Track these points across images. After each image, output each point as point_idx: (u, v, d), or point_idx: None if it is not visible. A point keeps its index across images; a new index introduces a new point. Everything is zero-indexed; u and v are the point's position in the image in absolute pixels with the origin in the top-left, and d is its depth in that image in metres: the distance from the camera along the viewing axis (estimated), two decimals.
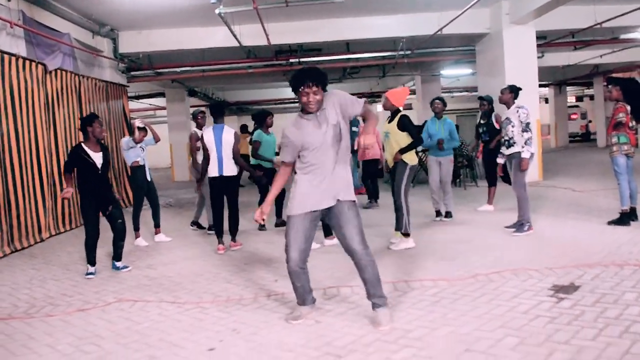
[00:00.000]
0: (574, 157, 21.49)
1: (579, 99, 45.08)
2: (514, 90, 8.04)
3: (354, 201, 4.63)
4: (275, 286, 5.97)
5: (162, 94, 24.30)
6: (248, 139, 16.30)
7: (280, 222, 9.83)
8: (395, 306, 4.98)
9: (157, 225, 9.18)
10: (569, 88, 34.88)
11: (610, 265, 5.84)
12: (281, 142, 4.66)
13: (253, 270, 6.76)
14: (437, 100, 9.61)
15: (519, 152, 7.69)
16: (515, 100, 8.03)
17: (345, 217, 4.55)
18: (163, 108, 25.70)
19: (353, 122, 13.23)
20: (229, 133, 7.98)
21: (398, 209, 7.42)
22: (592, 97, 41.24)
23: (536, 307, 4.71)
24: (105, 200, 6.96)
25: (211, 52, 15.87)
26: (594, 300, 4.80)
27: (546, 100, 34.85)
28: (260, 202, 9.82)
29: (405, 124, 7.40)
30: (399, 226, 7.48)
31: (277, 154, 9.79)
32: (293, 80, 4.46)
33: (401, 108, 7.54)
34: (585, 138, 35.42)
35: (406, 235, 7.39)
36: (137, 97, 24.87)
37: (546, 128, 32.41)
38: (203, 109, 10.67)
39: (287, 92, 29.62)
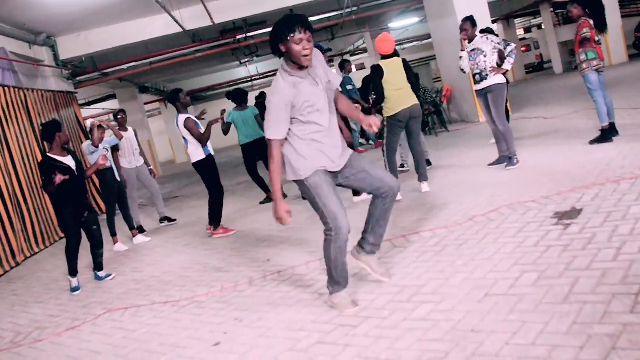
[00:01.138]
0: (535, 87, 21.45)
1: (527, 30, 45.18)
2: (472, 21, 7.75)
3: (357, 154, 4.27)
4: (269, 265, 5.70)
5: (113, 96, 23.69)
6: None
7: (266, 199, 9.61)
8: (398, 263, 4.75)
9: (132, 228, 8.81)
10: (516, 20, 34.89)
11: (607, 183, 5.65)
12: (269, 112, 3.84)
13: (242, 254, 6.48)
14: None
15: (497, 84, 7.48)
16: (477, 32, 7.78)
17: (362, 164, 4.13)
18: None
19: (347, 80, 12.94)
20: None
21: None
22: (539, 27, 41.53)
23: (545, 238, 4.50)
24: (81, 207, 6.60)
25: (155, 42, 15.32)
26: (602, 220, 4.61)
27: (496, 36, 34.72)
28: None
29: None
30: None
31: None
32: (280, 26, 3.76)
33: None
34: (540, 68, 35.49)
35: None
36: (89, 104, 24.21)
37: None
38: (122, 108, 10.41)
39: (240, 72, 29.24)
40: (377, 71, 7.24)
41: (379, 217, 4.26)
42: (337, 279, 4.09)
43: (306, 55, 3.75)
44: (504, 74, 7.62)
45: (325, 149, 3.95)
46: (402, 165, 9.23)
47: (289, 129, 3.93)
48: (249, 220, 8.46)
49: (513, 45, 7.49)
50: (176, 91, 8.21)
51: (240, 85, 31.16)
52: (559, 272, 3.78)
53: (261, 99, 9.79)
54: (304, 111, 3.85)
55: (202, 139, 7.60)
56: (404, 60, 7.43)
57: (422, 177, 7.50)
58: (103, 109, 26.53)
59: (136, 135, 9.78)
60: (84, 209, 6.60)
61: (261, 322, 4.22)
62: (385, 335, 3.48)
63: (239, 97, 9.69)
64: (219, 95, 34.27)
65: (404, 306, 3.85)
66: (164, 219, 9.91)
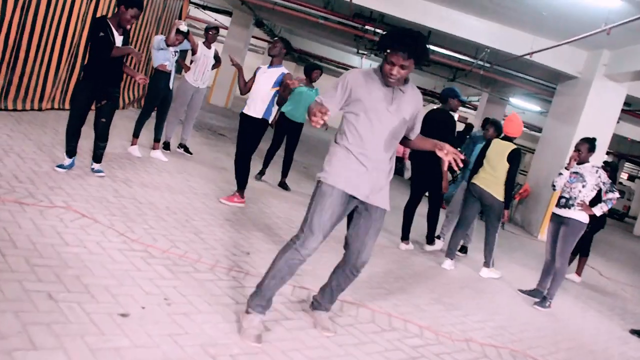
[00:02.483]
0: (608, 236, 20.22)
1: (631, 178, 43.42)
2: (591, 142, 6.86)
3: (385, 211, 3.79)
4: (244, 260, 5.05)
5: (229, 13, 23.31)
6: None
7: (282, 183, 9.16)
8: (365, 344, 4.04)
9: (156, 140, 8.28)
10: (627, 164, 33.42)
11: None
12: (334, 83, 3.63)
13: (230, 230, 5.84)
14: (489, 125, 8.24)
15: (577, 220, 6.65)
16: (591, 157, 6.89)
17: (375, 224, 3.76)
18: (225, 28, 24.70)
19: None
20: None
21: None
22: None
23: None
24: (104, 91, 6.07)
25: None
26: None
27: (609, 173, 33.32)
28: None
29: (515, 158, 7.22)
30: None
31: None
32: (385, 37, 3.50)
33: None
34: (621, 218, 33.92)
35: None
36: (204, 7, 23.89)
37: None
38: (217, 25, 9.74)
39: (353, 60, 28.61)
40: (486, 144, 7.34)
41: (334, 283, 4.04)
42: (263, 292, 3.64)
43: (390, 78, 3.52)
44: (593, 215, 6.75)
45: (357, 173, 3.62)
46: (438, 237, 8.42)
47: (340, 128, 3.72)
48: (271, 201, 7.82)
49: (616, 195, 6.60)
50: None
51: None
52: None
53: (306, 69, 9.14)
54: (355, 113, 3.59)
55: (280, 102, 7.08)
56: (515, 151, 7.13)
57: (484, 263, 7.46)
58: (214, 20, 26.22)
59: (216, 57, 9.21)
60: (104, 96, 6.06)
61: (185, 319, 3.56)
62: None
63: (310, 69, 9.12)
64: (325, 69, 33.87)
65: None
66: (183, 146, 9.37)
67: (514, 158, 7.12)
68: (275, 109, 7.11)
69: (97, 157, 6.34)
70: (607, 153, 27.58)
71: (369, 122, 3.57)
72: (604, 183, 6.65)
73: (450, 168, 7.81)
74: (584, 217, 6.66)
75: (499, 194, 7.12)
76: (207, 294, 4.05)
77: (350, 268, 3.87)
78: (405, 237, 7.62)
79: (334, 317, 4.35)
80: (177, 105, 9.03)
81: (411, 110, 3.70)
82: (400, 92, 3.63)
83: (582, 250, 9.10)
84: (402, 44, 3.38)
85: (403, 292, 5.60)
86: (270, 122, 7.10)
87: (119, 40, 6.00)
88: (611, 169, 9.30)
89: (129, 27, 6.05)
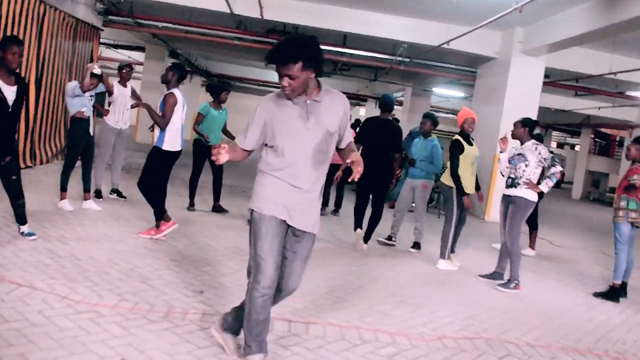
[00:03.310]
0: (549, 205, 20.61)
1: (560, 145, 44.64)
2: (529, 125, 6.92)
3: (314, 236, 3.62)
4: (199, 299, 4.81)
5: (142, 49, 22.89)
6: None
7: (217, 207, 9.06)
8: None
9: (86, 190, 7.90)
10: (554, 133, 34.30)
11: (605, 357, 4.82)
12: (249, 121, 3.50)
13: (179, 271, 5.58)
14: (426, 119, 8.35)
15: (523, 198, 6.68)
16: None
17: (303, 250, 3.61)
18: (140, 63, 24.24)
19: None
20: None
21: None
22: (573, 147, 41.01)
23: None
24: (5, 147, 5.67)
25: (199, 13, 14.57)
26: None
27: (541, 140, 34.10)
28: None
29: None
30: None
31: (226, 133, 8.86)
32: (268, 53, 3.33)
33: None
34: (557, 185, 34.79)
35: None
36: (115, 46, 23.38)
37: None
38: (130, 62, 9.53)
39: (274, 76, 28.48)
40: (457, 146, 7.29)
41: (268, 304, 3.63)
42: (247, 339, 3.56)
43: (284, 90, 3.36)
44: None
45: (286, 197, 3.47)
46: (390, 238, 8.37)
47: (262, 154, 3.57)
48: (203, 231, 7.59)
49: (559, 168, 6.66)
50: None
51: (267, 89, 30.52)
52: None
53: (212, 89, 9.08)
54: (275, 141, 3.43)
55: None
56: (452, 142, 7.42)
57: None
58: (129, 57, 25.70)
59: (134, 95, 8.93)
60: (7, 152, 5.68)
61: None
62: None
63: (215, 89, 8.97)
64: (249, 89, 33.57)
65: None
66: (115, 191, 9.04)
67: (452, 147, 7.27)
68: (171, 135, 6.83)
69: (21, 217, 5.96)
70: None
71: (289, 143, 3.42)
72: (545, 159, 6.70)
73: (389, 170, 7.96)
74: (530, 195, 6.69)
75: (449, 181, 7.28)
76: (166, 344, 3.82)
77: (276, 294, 3.63)
78: (358, 224, 7.94)
79: (302, 341, 4.18)
80: (102, 151, 8.71)
81: (333, 119, 3.52)
82: (315, 103, 3.45)
83: (531, 225, 9.18)
84: (282, 54, 3.24)
85: (366, 300, 5.47)
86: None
87: (8, 92, 5.55)
88: (538, 138, 9.39)
89: (16, 66, 5.62)
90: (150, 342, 3.83)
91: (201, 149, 8.85)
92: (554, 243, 10.94)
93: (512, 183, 6.80)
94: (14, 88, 5.58)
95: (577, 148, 35.07)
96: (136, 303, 4.52)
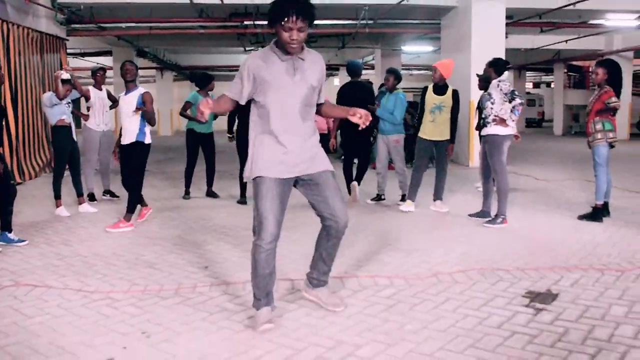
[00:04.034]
0: (532, 143, 20.99)
1: (536, 85, 44.98)
2: (495, 64, 7.20)
3: (334, 172, 3.96)
4: (205, 274, 5.09)
5: (109, 52, 22.93)
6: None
7: (210, 192, 9.35)
8: (343, 310, 4.16)
9: (79, 194, 8.13)
10: (528, 73, 34.57)
11: (590, 270, 5.13)
12: (236, 77, 3.74)
13: (181, 252, 5.86)
14: (388, 74, 8.55)
15: (493, 135, 6.98)
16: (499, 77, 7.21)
17: (331, 186, 3.88)
18: (110, 68, 24.27)
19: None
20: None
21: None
22: (549, 84, 41.33)
23: (511, 321, 3.94)
24: None
25: (160, 8, 14.70)
26: (578, 314, 4.06)
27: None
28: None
29: (457, 99, 7.74)
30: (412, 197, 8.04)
31: (216, 117, 9.00)
32: (275, 8, 3.56)
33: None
34: (538, 125, 35.15)
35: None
36: (82, 54, 23.43)
37: None
38: (103, 66, 9.71)
39: (241, 59, 28.54)
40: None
41: (323, 253, 4.05)
42: (256, 293, 3.85)
43: (291, 44, 3.59)
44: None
45: (282, 153, 3.75)
46: (379, 197, 8.67)
47: (252, 119, 3.83)
48: (199, 213, 7.85)
49: (519, 100, 6.90)
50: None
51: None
52: None
53: (198, 79, 9.31)
54: (264, 96, 3.69)
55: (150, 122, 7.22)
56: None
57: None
58: (97, 64, 25.70)
59: (110, 97, 9.12)
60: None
61: (169, 344, 3.60)
62: None
63: (202, 80, 9.27)
64: (218, 76, 33.59)
65: None
66: (107, 192, 9.26)
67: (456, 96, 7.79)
68: (148, 128, 7.16)
69: (8, 223, 6.24)
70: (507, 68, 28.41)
71: (278, 98, 3.68)
72: (505, 94, 6.95)
73: (370, 130, 8.52)
74: (499, 130, 6.97)
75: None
76: (181, 316, 4.10)
77: (334, 233, 3.94)
78: (350, 181, 8.64)
79: (300, 297, 4.46)
80: (89, 155, 8.91)
81: (315, 75, 3.81)
82: (300, 60, 3.74)
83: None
84: (291, 8, 3.48)
85: (362, 252, 5.76)
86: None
87: None
88: (480, 79, 9.68)
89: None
90: (165, 316, 4.10)
91: (194, 139, 9.12)
92: (538, 178, 11.27)
93: (483, 123, 7.11)
94: None
95: (552, 85, 35.35)
96: (147, 285, 4.79)
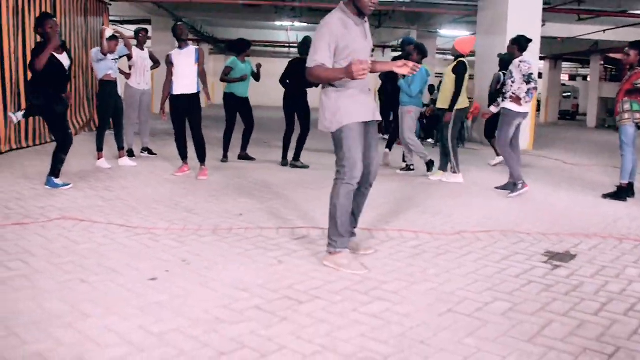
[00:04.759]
0: (564, 133, 21.00)
1: (572, 77, 44.55)
2: (517, 41, 7.39)
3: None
4: (240, 220, 5.38)
5: (148, 21, 23.28)
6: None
7: (244, 155, 9.55)
8: (370, 254, 4.42)
9: (120, 148, 8.49)
10: (564, 64, 34.29)
11: (609, 238, 5.31)
12: (316, 40, 3.91)
13: (218, 203, 6.16)
14: (410, 46, 8.79)
15: (506, 109, 7.29)
16: (522, 54, 7.39)
17: (374, 138, 4.22)
18: (148, 38, 24.64)
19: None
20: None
21: (445, 153, 8.16)
22: (585, 78, 40.91)
23: (529, 273, 4.17)
24: (63, 101, 6.41)
25: None
26: (594, 271, 4.26)
27: (539, 75, 34.17)
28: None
29: (458, 69, 7.87)
30: (443, 167, 8.34)
31: (256, 77, 9.33)
32: None
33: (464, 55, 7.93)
34: (572, 118, 34.91)
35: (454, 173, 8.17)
36: (122, 22, 23.82)
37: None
38: (145, 27, 9.97)
39: (279, 36, 28.77)
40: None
41: (356, 202, 4.28)
42: (340, 230, 4.06)
43: (372, 6, 3.88)
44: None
45: (362, 102, 4.06)
46: (408, 167, 8.89)
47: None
48: (232, 172, 8.15)
49: (533, 85, 7.20)
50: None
51: (276, 49, 30.80)
52: (533, 309, 3.44)
53: (235, 46, 9.52)
54: (345, 56, 3.89)
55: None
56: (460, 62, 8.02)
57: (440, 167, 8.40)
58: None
59: (152, 57, 9.44)
60: (66, 104, 6.45)
61: (208, 271, 3.90)
62: (328, 320, 3.15)
63: (241, 45, 9.48)
64: (256, 52, 33.84)
65: (359, 297, 3.52)
66: (146, 149, 9.59)
67: (458, 68, 7.89)
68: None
69: (57, 170, 6.60)
70: (541, 58, 28.32)
71: (360, 58, 3.88)
72: (523, 75, 7.18)
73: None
74: (513, 107, 7.28)
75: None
76: (218, 250, 4.39)
77: (364, 184, 4.22)
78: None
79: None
80: (129, 112, 9.23)
81: (370, 36, 4.18)
82: (365, 23, 4.10)
83: (488, 134, 10.61)
84: None
85: (390, 212, 6.00)
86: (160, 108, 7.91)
87: (63, 59, 6.40)
88: (501, 61, 9.84)
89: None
90: (204, 249, 4.40)
91: (232, 103, 9.33)
92: (566, 162, 11.37)
93: (503, 97, 7.36)
94: (65, 55, 6.38)
95: (588, 79, 35.08)
96: (185, 225, 5.09)
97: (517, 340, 3.00)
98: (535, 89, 7.23)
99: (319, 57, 3.85)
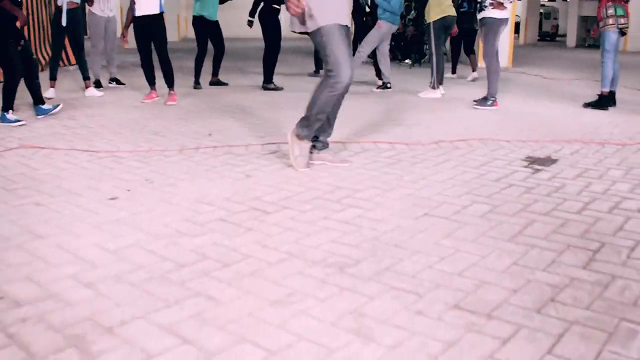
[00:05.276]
0: (543, 52, 20.70)
1: None
2: None
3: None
4: (208, 139, 5.15)
5: None
6: None
7: (216, 81, 9.21)
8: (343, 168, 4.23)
9: (86, 78, 8.08)
10: None
11: (591, 143, 5.15)
12: None
13: (186, 124, 5.91)
14: None
15: (489, 17, 6.91)
16: None
17: (348, 40, 4.04)
18: None
19: None
20: None
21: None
22: None
23: (509, 177, 4.01)
24: (18, 32, 5.95)
25: None
26: (576, 174, 4.11)
27: None
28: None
29: None
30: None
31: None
32: None
33: None
34: (552, 39, 34.46)
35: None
36: None
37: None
38: None
39: None
40: None
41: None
42: (311, 122, 4.02)
43: None
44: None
45: (341, 4, 3.97)
46: (386, 85, 8.65)
47: None
48: (201, 95, 7.87)
49: None
50: None
51: None
52: (513, 210, 3.29)
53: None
54: None
55: None
56: None
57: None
58: None
59: None
60: (20, 36, 5.99)
61: (171, 187, 3.70)
62: (296, 228, 2.98)
63: None
64: None
65: (330, 205, 3.34)
66: (114, 79, 9.22)
67: None
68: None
69: (40, 97, 6.31)
70: None
71: None
72: None
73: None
74: (496, 14, 6.92)
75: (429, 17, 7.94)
76: (183, 169, 4.18)
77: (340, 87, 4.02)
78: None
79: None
80: (94, 41, 8.83)
81: None
82: None
83: (468, 49, 10.42)
84: None
85: (364, 125, 5.80)
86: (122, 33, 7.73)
87: None
88: None
89: None
90: (169, 168, 4.18)
91: (201, 26, 8.88)
92: (545, 77, 11.15)
93: (480, 7, 7.02)
94: None
95: None
96: (151, 147, 4.86)
97: (496, 240, 2.86)
98: None
99: None
